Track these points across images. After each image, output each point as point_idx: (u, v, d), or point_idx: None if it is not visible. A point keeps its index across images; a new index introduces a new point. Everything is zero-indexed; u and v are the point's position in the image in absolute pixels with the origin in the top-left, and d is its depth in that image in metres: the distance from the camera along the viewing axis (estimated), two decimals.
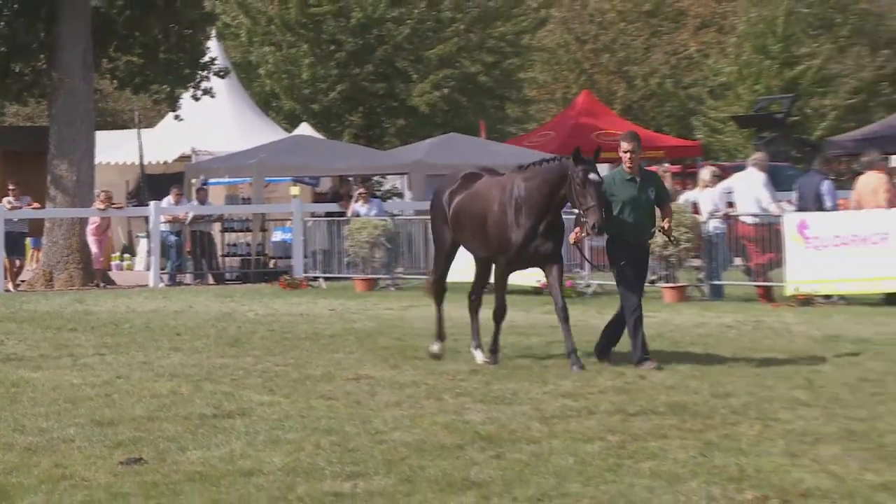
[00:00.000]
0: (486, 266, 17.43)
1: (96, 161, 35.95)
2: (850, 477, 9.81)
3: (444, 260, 17.76)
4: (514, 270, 17.12)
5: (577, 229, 16.26)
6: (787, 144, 48.01)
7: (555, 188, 15.98)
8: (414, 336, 19.88)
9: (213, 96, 38.28)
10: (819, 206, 25.38)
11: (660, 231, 16.91)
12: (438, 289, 17.82)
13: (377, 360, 16.98)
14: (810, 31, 62.24)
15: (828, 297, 24.04)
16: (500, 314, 16.87)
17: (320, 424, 12.29)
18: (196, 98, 38.12)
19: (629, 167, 16.27)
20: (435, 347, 17.21)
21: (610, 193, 16.05)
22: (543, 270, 16.84)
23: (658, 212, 16.70)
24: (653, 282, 26.84)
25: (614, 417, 12.40)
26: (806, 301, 23.78)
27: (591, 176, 15.59)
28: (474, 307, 17.47)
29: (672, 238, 18.22)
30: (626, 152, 16.21)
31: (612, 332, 16.69)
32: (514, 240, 16.12)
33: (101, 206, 34.38)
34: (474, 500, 9.33)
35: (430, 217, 18.44)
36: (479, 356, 16.82)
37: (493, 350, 16.78)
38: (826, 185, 26.23)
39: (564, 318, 16.15)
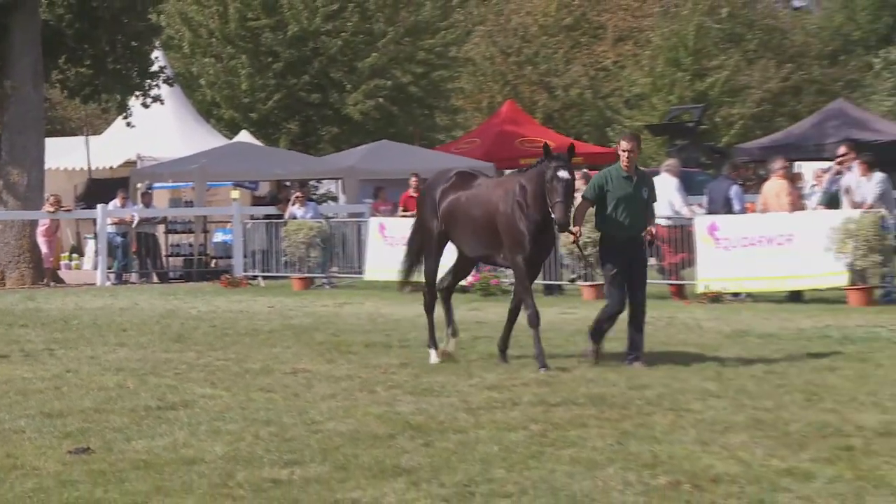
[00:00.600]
0: (467, 263, 17.10)
1: (46, 166, 35.93)
2: (756, 463, 9.87)
3: (434, 255, 16.64)
4: (531, 269, 15.82)
5: (577, 228, 15.63)
6: (697, 151, 48.23)
7: (543, 185, 15.24)
8: (348, 332, 19.87)
9: (162, 103, 38.38)
10: (728, 210, 25.51)
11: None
12: (431, 297, 16.72)
13: (313, 355, 16.95)
14: (719, 45, 62.54)
15: (736, 294, 24.17)
16: (534, 321, 15.41)
17: (259, 415, 12.27)
18: (146, 105, 38.08)
19: (626, 166, 15.60)
20: (434, 357, 16.14)
21: (606, 190, 15.54)
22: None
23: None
24: (572, 280, 26.95)
25: (537, 408, 12.41)
26: (715, 298, 23.90)
27: (560, 173, 15.00)
28: (445, 298, 16.72)
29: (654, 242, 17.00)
30: (624, 151, 15.60)
31: (631, 333, 15.78)
32: (527, 236, 15.34)
33: (51, 209, 34.26)
34: (405, 486, 9.33)
35: (417, 210, 17.68)
36: (434, 356, 16.16)
37: (539, 355, 15.28)
38: (734, 190, 26.37)
39: (513, 319, 16.08)
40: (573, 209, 15.51)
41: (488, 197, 15.86)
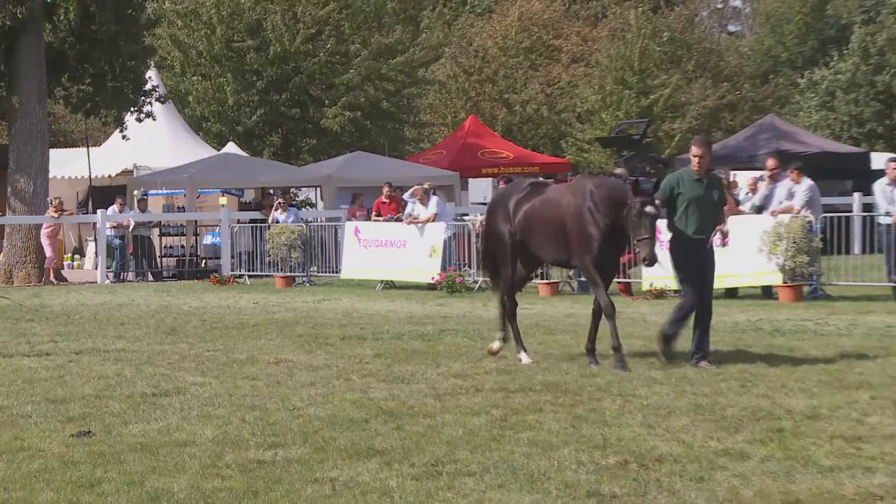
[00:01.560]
0: (528, 269, 16.24)
1: (51, 175, 35.90)
2: (696, 444, 9.89)
3: (511, 264, 15.54)
4: (602, 269, 14.76)
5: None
6: (642, 161, 48.10)
7: (619, 206, 14.37)
8: (326, 325, 19.84)
9: (154, 119, 38.40)
10: None
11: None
12: (511, 304, 15.64)
13: (294, 346, 16.91)
14: (662, 66, 62.74)
15: (677, 291, 24.19)
16: (610, 311, 14.60)
17: (245, 402, 12.24)
18: (139, 120, 38.07)
19: (698, 169, 14.72)
20: (525, 359, 15.00)
21: (678, 192, 14.66)
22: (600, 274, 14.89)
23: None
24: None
25: (497, 394, 12.42)
26: (659, 295, 23.96)
27: (648, 209, 14.11)
28: (511, 311, 15.64)
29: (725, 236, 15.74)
30: (695, 156, 14.76)
31: (699, 334, 14.75)
32: (595, 236, 14.47)
33: (55, 214, 34.23)
34: (378, 466, 9.32)
35: (486, 222, 16.30)
36: (525, 357, 15.06)
37: (616, 348, 14.45)
38: None
39: (598, 319, 14.96)
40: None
41: (559, 202, 15.03)
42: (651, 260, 14.22)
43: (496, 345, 15.51)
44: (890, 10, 59.04)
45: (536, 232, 15.21)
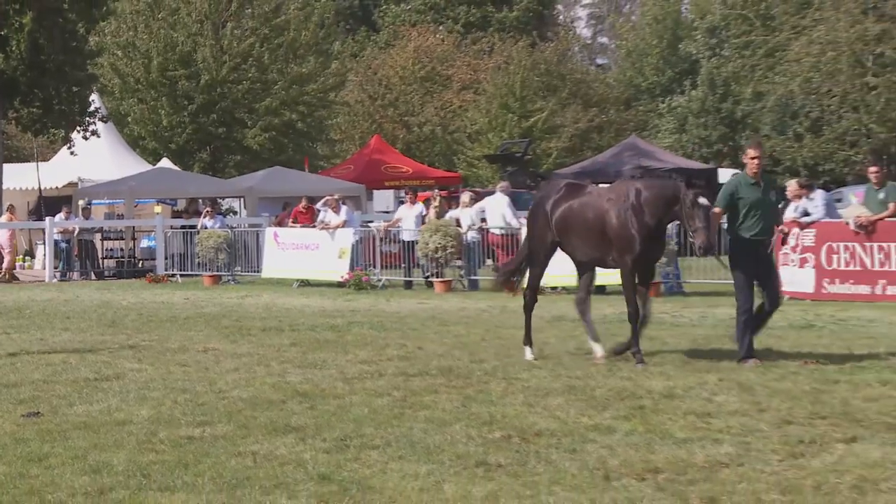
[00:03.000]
0: (591, 273, 14.74)
1: (4, 187, 35.68)
2: (570, 420, 9.93)
3: (541, 263, 14.48)
4: (637, 271, 13.65)
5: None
6: (524, 176, 48.48)
7: (668, 203, 13.34)
8: (249, 318, 19.71)
9: (98, 136, 38.57)
10: None
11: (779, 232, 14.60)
12: (531, 299, 14.52)
13: (221, 337, 16.78)
14: (540, 94, 63.13)
15: (554, 288, 24.33)
16: (634, 316, 13.56)
17: (177, 385, 12.13)
18: (86, 138, 38.27)
19: (754, 172, 13.52)
20: (529, 354, 13.98)
21: (737, 196, 13.47)
22: (639, 275, 13.78)
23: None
24: (426, 277, 26.95)
25: (398, 378, 12.40)
26: (539, 291, 24.01)
27: (701, 200, 13.07)
28: (583, 312, 14.41)
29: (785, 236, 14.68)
30: (752, 159, 13.50)
31: (752, 330, 13.49)
32: (637, 238, 13.32)
33: (9, 218, 33.98)
34: (294, 441, 9.26)
35: (528, 222, 15.06)
36: (528, 353, 13.99)
37: (635, 351, 13.44)
38: None
39: (642, 324, 13.74)
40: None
41: (599, 202, 13.81)
42: (707, 248, 13.06)
43: (528, 354, 13.97)
44: (732, 48, 59.81)
45: (573, 232, 13.99)
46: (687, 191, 13.17)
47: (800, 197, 22.60)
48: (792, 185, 23.30)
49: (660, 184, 13.65)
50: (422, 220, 27.69)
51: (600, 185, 15.24)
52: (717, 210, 13.56)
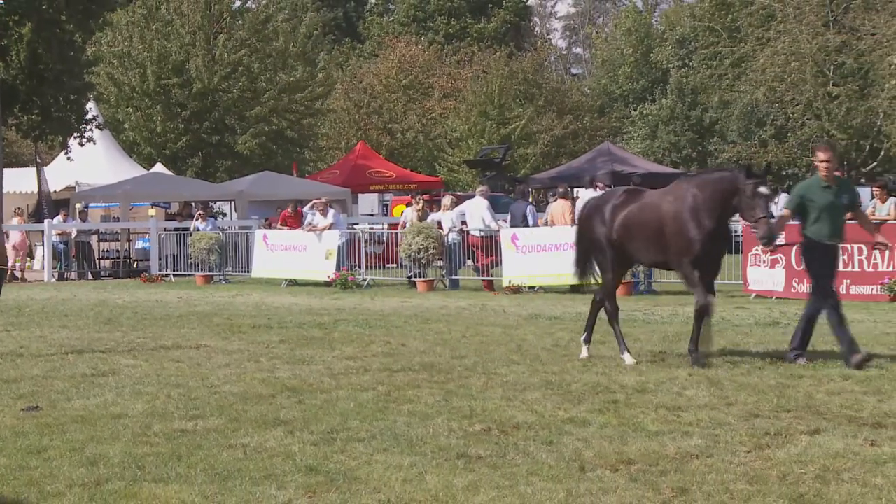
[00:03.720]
0: (618, 274, 13.93)
1: (4, 190, 35.52)
2: (547, 413, 9.92)
3: (612, 269, 13.54)
4: (704, 268, 12.71)
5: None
6: (502, 180, 48.62)
7: (726, 197, 12.47)
8: (239, 316, 19.66)
9: (94, 143, 38.45)
10: (525, 224, 25.73)
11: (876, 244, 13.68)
12: (613, 308, 13.52)
13: (212, 334, 16.74)
14: (517, 101, 63.26)
15: (532, 287, 24.36)
16: (702, 312, 12.72)
17: (171, 381, 12.08)
18: (81, 144, 38.20)
19: (825, 175, 12.64)
20: (629, 360, 12.91)
21: (809, 200, 12.66)
22: (702, 272, 12.82)
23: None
24: (409, 277, 26.93)
25: (383, 374, 12.37)
26: (516, 290, 24.06)
27: (761, 189, 12.21)
28: (593, 310, 13.72)
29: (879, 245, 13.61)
30: (822, 162, 12.64)
31: (805, 333, 12.80)
32: (696, 240, 12.48)
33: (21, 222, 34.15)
34: (283, 434, 9.23)
35: (581, 230, 14.11)
36: (629, 358, 12.95)
37: (693, 350, 12.70)
38: (530, 209, 26.66)
39: (702, 317, 12.80)
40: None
41: (658, 205, 12.99)
42: (768, 238, 12.34)
43: (628, 360, 12.97)
44: (700, 59, 60.01)
45: (635, 236, 13.17)
46: (746, 180, 12.33)
47: None
48: None
49: (716, 179, 12.80)
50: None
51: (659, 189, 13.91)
52: (785, 212, 13.06)
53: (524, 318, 18.43)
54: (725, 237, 13.04)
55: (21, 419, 10.10)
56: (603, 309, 13.58)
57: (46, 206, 37.79)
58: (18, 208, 35.06)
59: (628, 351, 13.16)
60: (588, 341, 13.57)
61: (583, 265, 14.01)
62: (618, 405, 10.23)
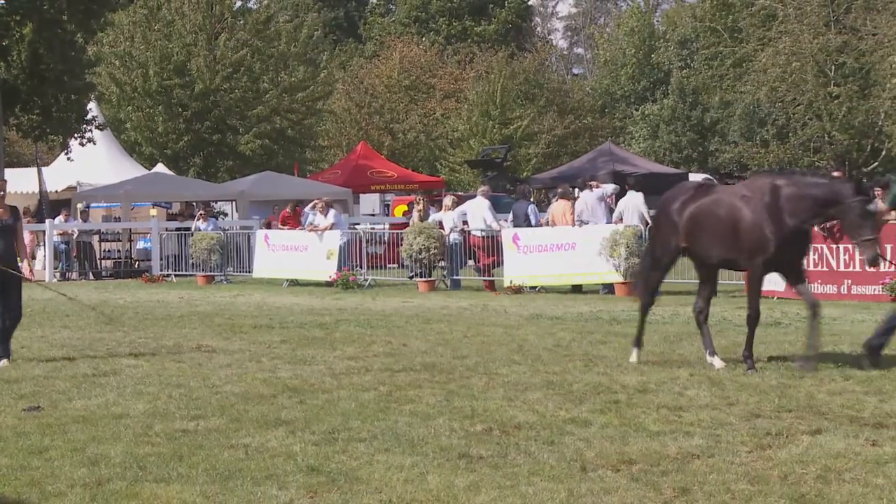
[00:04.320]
0: (710, 282, 13.06)
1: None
2: (548, 414, 9.92)
3: (663, 267, 13.14)
4: (769, 272, 12.33)
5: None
6: (504, 180, 48.59)
7: (819, 206, 11.73)
8: (241, 316, 19.66)
9: (94, 143, 38.48)
10: (528, 224, 25.72)
11: None
12: (648, 302, 13.28)
13: (214, 334, 16.74)
14: (518, 102, 63.23)
15: (533, 287, 24.35)
16: (753, 320, 12.16)
17: (172, 381, 12.08)
18: (82, 144, 38.24)
19: None
20: (634, 357, 12.90)
21: None
22: (787, 276, 12.40)
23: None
24: (410, 277, 26.93)
25: (384, 374, 12.38)
26: (518, 290, 24.04)
27: (870, 207, 11.50)
28: (701, 319, 12.88)
29: None
30: None
31: (886, 334, 12.26)
32: (772, 239, 11.76)
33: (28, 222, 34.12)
34: (284, 434, 9.24)
35: (653, 225, 13.85)
36: (718, 362, 12.36)
37: (748, 356, 12.18)
38: (532, 209, 26.66)
39: (814, 315, 12.04)
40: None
41: (731, 201, 12.26)
42: (874, 261, 11.71)
43: (634, 356, 12.94)
44: (701, 59, 60.01)
45: (704, 233, 12.46)
46: (854, 196, 11.54)
47: None
48: None
49: (811, 182, 11.99)
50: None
51: (731, 185, 13.36)
52: (883, 207, 12.36)
53: (525, 319, 18.42)
54: (805, 241, 12.30)
55: (22, 419, 10.10)
56: (639, 299, 13.38)
57: (45, 206, 37.79)
58: (26, 208, 35.14)
59: (639, 349, 12.98)
60: (713, 353, 12.56)
61: (648, 266, 13.49)
62: (619, 405, 10.23)
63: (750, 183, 12.60)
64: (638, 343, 13.08)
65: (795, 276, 12.27)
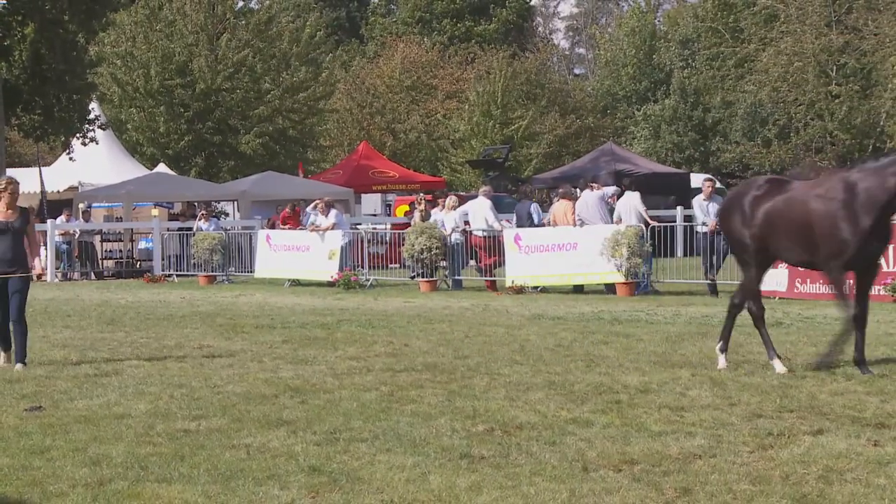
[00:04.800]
0: (761, 272, 12.34)
1: None
2: (550, 414, 9.91)
3: (754, 266, 12.12)
4: (849, 271, 11.55)
5: None
6: (505, 180, 48.55)
7: (889, 198, 11.10)
8: (242, 316, 19.65)
9: (96, 143, 38.49)
10: (530, 224, 25.72)
11: None
12: (758, 309, 12.25)
13: (215, 334, 16.73)
14: (520, 102, 63.21)
15: (535, 287, 24.33)
16: (848, 325, 11.60)
17: (173, 381, 12.08)
18: (84, 144, 38.29)
19: None
20: (780, 367, 11.82)
21: None
22: (858, 274, 11.63)
23: None
24: (412, 277, 26.92)
25: (386, 374, 12.37)
26: (519, 290, 24.02)
27: None
28: (732, 315, 12.36)
29: None
30: None
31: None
32: (851, 241, 11.19)
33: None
34: (286, 434, 9.23)
35: (723, 226, 12.91)
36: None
37: (860, 361, 11.54)
38: (534, 208, 26.70)
39: (861, 326, 11.57)
40: None
41: (805, 199, 11.58)
42: None
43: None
44: (702, 59, 60.03)
45: (780, 232, 11.78)
46: None
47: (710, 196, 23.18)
48: (706, 185, 23.75)
49: (887, 171, 11.19)
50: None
51: (806, 179, 12.45)
52: None
53: (527, 319, 18.41)
54: (886, 236, 11.57)
55: (24, 419, 10.10)
56: (748, 311, 12.33)
57: (44, 206, 37.81)
58: (31, 207, 35.22)
59: (778, 357, 12.05)
60: (725, 350, 12.26)
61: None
62: (621, 405, 10.22)
63: (827, 180, 11.82)
64: (773, 353, 12.07)
65: (869, 275, 11.70)
